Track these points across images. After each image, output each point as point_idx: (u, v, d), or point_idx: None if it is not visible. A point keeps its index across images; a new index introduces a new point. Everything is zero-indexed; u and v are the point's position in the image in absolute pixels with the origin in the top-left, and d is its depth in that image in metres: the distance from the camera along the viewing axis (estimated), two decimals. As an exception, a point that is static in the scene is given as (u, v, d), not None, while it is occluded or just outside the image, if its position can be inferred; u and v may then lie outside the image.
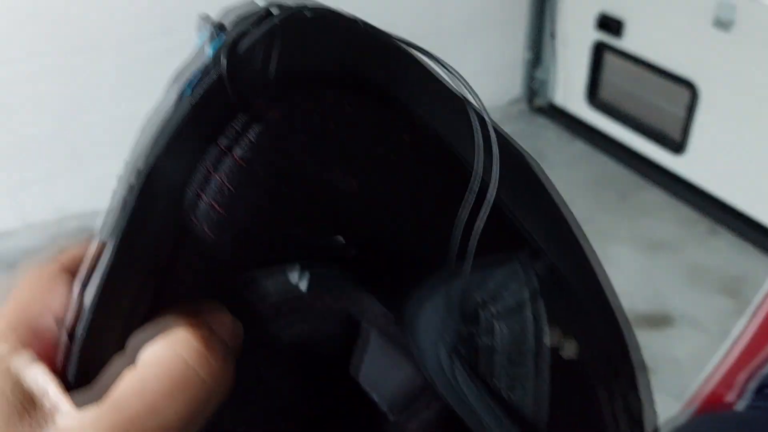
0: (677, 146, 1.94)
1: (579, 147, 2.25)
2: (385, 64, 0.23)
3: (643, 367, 0.27)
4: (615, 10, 2.00)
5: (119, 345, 0.22)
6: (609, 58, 2.11)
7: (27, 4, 1.63)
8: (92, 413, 0.20)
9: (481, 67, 2.28)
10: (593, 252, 0.26)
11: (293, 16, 0.21)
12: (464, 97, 0.24)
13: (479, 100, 0.24)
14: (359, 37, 0.22)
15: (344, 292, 0.32)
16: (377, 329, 0.32)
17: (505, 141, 0.25)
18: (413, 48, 0.23)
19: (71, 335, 0.22)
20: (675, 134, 1.95)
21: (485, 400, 0.24)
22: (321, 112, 0.22)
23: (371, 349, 0.32)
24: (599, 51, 2.12)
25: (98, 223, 0.30)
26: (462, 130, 0.24)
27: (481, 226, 0.24)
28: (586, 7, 2.10)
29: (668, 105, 1.96)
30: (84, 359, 0.22)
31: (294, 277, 0.28)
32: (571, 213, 0.26)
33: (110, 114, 1.85)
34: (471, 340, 0.24)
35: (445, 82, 0.24)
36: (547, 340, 0.24)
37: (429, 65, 0.24)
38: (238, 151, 0.22)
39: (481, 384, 0.24)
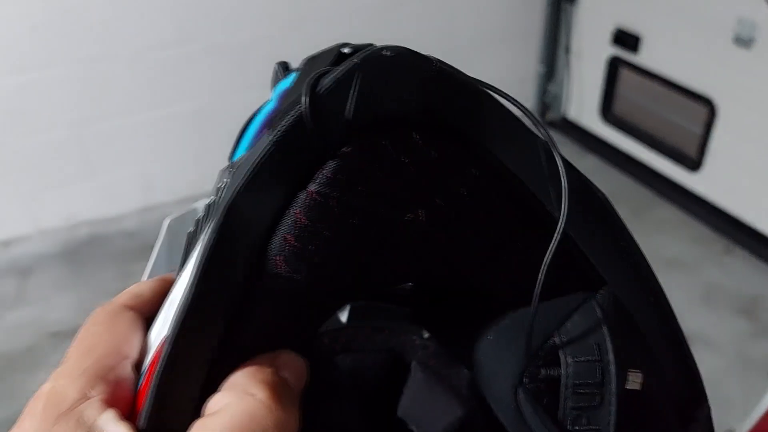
0: (693, 163, 1.93)
1: (591, 161, 2.24)
2: (458, 102, 0.23)
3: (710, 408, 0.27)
4: (632, 25, 1.99)
5: (194, 389, 0.22)
6: (624, 73, 2.10)
7: (42, 12, 1.64)
8: None
9: (494, 80, 2.26)
10: (662, 289, 0.26)
11: (372, 56, 0.22)
12: (538, 134, 0.24)
13: (550, 136, 0.24)
14: (433, 76, 0.22)
15: (386, 325, 0.32)
16: (419, 362, 0.32)
17: (577, 177, 0.24)
18: (484, 86, 0.23)
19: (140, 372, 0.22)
20: (691, 151, 1.93)
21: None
22: (395, 148, 0.23)
23: (413, 382, 0.32)
24: (614, 66, 2.11)
25: (154, 252, 0.30)
26: (535, 167, 0.24)
27: (547, 262, 0.24)
28: (602, 21, 2.09)
29: (685, 121, 1.95)
30: (158, 404, 0.21)
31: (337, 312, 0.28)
32: (642, 251, 0.26)
33: (123, 122, 1.86)
34: (539, 374, 0.24)
35: (518, 119, 0.24)
36: (614, 376, 0.24)
37: (500, 102, 0.24)
38: (314, 186, 0.22)
39: (552, 418, 0.24)
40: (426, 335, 0.32)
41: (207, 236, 0.21)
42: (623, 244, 0.25)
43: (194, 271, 0.21)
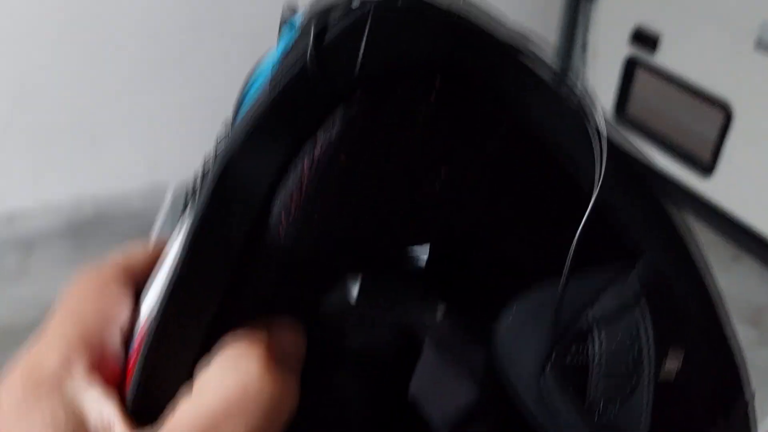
0: (706, 168, 1.90)
1: (603, 162, 2.22)
2: (481, 56, 0.21)
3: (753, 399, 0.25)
4: (652, 25, 1.96)
5: (185, 363, 0.20)
6: (641, 74, 2.08)
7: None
8: None
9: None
10: (708, 268, 0.24)
11: (383, 5, 0.20)
12: (569, 94, 0.22)
13: (587, 93, 0.22)
14: (452, 27, 0.21)
15: (398, 302, 0.30)
16: (432, 341, 0.30)
17: (616, 139, 0.22)
18: (514, 35, 0.21)
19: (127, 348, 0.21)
20: (704, 156, 1.91)
21: (583, 420, 0.22)
22: (410, 104, 0.21)
23: (425, 361, 0.30)
24: (631, 66, 2.08)
25: (158, 222, 0.28)
26: (568, 126, 0.22)
27: (581, 230, 0.22)
28: (621, 19, 2.06)
29: (700, 125, 1.93)
30: (146, 379, 0.20)
31: (346, 284, 0.26)
32: (685, 222, 0.23)
33: (131, 102, 1.85)
34: (569, 356, 0.22)
35: (551, 74, 0.22)
36: (653, 358, 0.22)
37: (531, 54, 0.22)
38: (321, 144, 0.20)
39: (577, 401, 0.22)
40: (440, 313, 0.30)
41: (201, 198, 0.20)
42: (665, 213, 0.23)
43: (186, 238, 0.19)
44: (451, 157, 0.22)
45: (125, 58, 1.78)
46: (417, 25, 0.20)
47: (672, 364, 0.22)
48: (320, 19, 0.21)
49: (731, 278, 1.76)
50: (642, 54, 2.02)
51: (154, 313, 0.20)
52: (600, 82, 2.22)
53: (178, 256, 0.20)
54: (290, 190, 0.20)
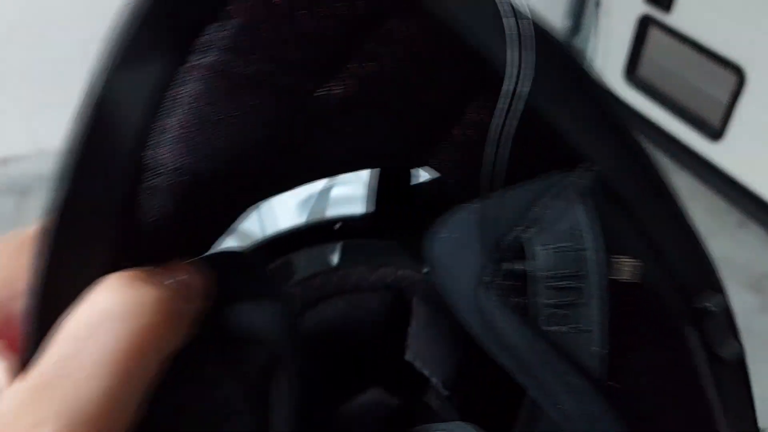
0: (715, 133, 1.87)
1: (610, 124, 2.19)
2: None
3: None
4: (668, -17, 1.91)
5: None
6: (654, 34, 2.03)
7: None
8: (14, 391, 0.17)
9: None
10: (657, 162, 0.22)
11: None
12: None
13: None
14: None
15: (381, 263, 0.28)
16: (420, 298, 0.29)
17: (541, 32, 0.20)
18: None
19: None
20: (715, 120, 1.88)
21: (528, 337, 0.20)
22: (305, 5, 0.18)
23: (416, 320, 0.29)
24: (644, 25, 2.03)
25: None
26: (485, 18, 0.19)
27: (500, 131, 0.19)
28: (636, -24, 2.00)
29: (711, 89, 1.89)
30: (38, 327, 0.19)
31: (326, 251, 0.25)
32: (623, 118, 0.21)
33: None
34: (508, 271, 0.20)
35: None
36: (604, 264, 0.20)
37: None
38: (193, 58, 0.18)
39: (522, 319, 0.20)
40: (426, 267, 0.29)
41: (76, 136, 0.18)
42: (605, 111, 0.21)
43: (63, 181, 0.18)
44: (344, 64, 0.19)
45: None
46: None
47: (627, 267, 0.20)
48: None
49: (737, 245, 1.75)
50: (656, 13, 1.97)
51: (34, 271, 0.19)
52: (611, 41, 2.17)
53: (55, 208, 0.18)
54: (169, 111, 0.18)
